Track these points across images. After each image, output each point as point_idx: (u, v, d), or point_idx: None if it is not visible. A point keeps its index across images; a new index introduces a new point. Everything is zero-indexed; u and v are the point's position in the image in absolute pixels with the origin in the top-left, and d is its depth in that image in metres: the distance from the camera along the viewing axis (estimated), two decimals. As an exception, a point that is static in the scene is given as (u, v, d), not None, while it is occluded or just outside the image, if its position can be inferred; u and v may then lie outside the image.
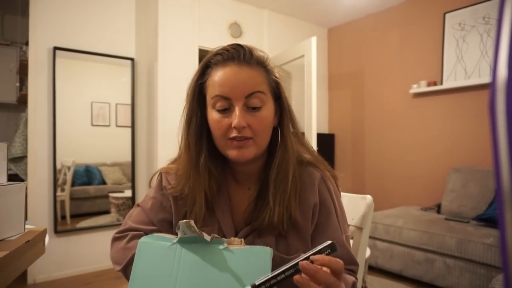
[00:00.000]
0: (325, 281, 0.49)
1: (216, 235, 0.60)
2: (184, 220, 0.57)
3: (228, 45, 0.69)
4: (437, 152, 3.02)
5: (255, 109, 0.66)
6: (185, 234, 0.59)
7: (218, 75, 0.66)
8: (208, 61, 0.70)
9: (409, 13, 3.22)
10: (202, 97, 0.71)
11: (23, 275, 2.45)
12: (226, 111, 0.66)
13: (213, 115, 0.67)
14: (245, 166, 0.73)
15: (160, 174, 0.79)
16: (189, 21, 2.86)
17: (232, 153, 0.67)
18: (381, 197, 3.29)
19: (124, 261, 0.69)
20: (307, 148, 0.77)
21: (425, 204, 3.04)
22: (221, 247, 0.59)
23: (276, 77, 0.71)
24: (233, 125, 0.64)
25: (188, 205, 0.72)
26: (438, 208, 2.82)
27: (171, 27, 2.77)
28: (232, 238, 0.61)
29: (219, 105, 0.66)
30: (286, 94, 0.73)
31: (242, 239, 0.61)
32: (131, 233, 0.73)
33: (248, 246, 0.59)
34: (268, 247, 0.59)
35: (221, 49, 0.69)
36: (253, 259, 0.57)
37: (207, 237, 0.58)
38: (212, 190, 0.71)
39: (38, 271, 2.51)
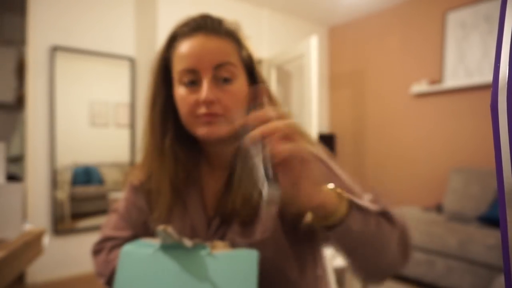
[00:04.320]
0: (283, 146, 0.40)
1: (198, 240, 0.57)
2: (161, 227, 0.53)
3: (196, 15, 0.64)
4: (438, 152, 3.02)
5: (225, 81, 0.59)
6: (164, 240, 0.56)
7: (183, 47, 0.60)
8: (174, 33, 0.64)
9: (410, 13, 3.21)
10: (168, 72, 0.64)
11: (23, 275, 2.45)
12: (193, 85, 0.60)
13: (179, 90, 0.61)
14: (218, 147, 0.66)
15: (131, 173, 0.75)
16: (189, 21, 2.86)
17: (201, 131, 0.60)
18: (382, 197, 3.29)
19: (108, 273, 0.67)
20: None
21: (426, 204, 3.04)
22: (203, 252, 0.55)
23: (248, 50, 0.65)
24: (201, 100, 0.58)
25: (155, 193, 0.67)
26: (439, 208, 2.81)
27: (170, 25, 2.76)
28: (216, 242, 0.58)
29: (185, 79, 0.60)
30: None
31: (227, 243, 0.58)
32: (109, 244, 0.71)
33: (233, 251, 0.56)
34: (254, 251, 0.55)
35: (188, 20, 0.64)
36: (238, 264, 0.54)
37: (188, 243, 0.55)
38: (179, 177, 0.65)
39: (38, 271, 2.51)
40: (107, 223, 0.75)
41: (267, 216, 0.62)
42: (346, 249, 0.50)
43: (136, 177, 0.72)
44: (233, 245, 0.61)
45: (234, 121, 0.61)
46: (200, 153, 0.70)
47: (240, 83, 0.62)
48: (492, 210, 2.33)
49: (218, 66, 0.59)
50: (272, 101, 0.67)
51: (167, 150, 0.64)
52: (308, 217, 0.48)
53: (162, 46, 0.66)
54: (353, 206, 0.47)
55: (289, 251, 0.62)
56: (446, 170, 2.90)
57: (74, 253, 2.65)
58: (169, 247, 0.57)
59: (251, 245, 0.60)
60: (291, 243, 0.63)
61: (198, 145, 0.69)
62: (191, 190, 0.67)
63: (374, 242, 0.49)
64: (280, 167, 0.41)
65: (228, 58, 0.60)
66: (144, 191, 0.70)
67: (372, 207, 0.51)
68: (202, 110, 0.59)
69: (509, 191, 0.19)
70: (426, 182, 3.10)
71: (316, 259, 0.69)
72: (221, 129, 0.60)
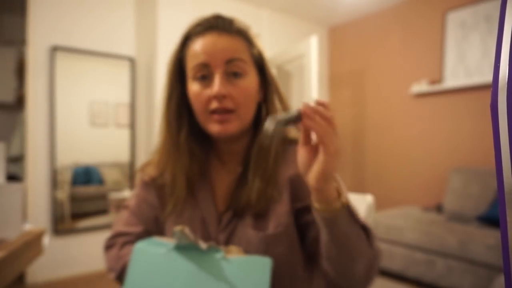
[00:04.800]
0: (324, 127, 0.49)
1: (213, 243, 0.57)
2: (179, 227, 0.54)
3: (208, 16, 0.67)
4: (438, 152, 3.02)
5: (236, 76, 0.63)
6: (180, 240, 0.57)
7: (197, 44, 0.64)
8: (188, 33, 0.67)
9: (410, 13, 3.21)
10: (183, 71, 0.68)
11: (23, 275, 2.45)
12: (205, 80, 0.63)
13: (193, 87, 0.64)
14: (229, 144, 0.70)
15: (142, 170, 0.77)
16: (189, 20, 2.86)
17: (213, 128, 0.63)
18: (382, 197, 3.29)
19: (118, 268, 0.68)
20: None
21: (426, 204, 3.04)
22: (218, 256, 0.56)
23: (259, 48, 0.68)
24: (213, 94, 0.61)
25: (169, 187, 0.69)
26: (439, 208, 2.81)
27: (170, 26, 2.77)
28: (230, 247, 0.59)
29: (198, 74, 0.63)
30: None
31: (240, 248, 0.59)
32: (121, 240, 0.71)
33: (246, 256, 0.56)
34: (268, 258, 0.56)
35: (200, 20, 0.67)
36: (251, 270, 0.54)
37: (203, 245, 0.56)
38: (193, 171, 0.68)
39: (38, 271, 2.51)
40: (119, 219, 0.76)
41: (281, 211, 0.64)
42: (326, 242, 0.56)
43: (148, 173, 0.74)
44: (246, 237, 0.63)
45: (245, 116, 0.65)
46: (210, 148, 0.73)
47: (251, 79, 0.65)
48: (492, 210, 2.33)
49: (229, 62, 0.62)
50: (281, 97, 0.71)
51: (182, 144, 0.67)
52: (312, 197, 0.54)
53: (176, 46, 0.69)
54: (347, 208, 0.54)
55: (298, 246, 0.65)
56: (446, 170, 2.90)
57: (74, 253, 2.65)
58: (182, 248, 0.58)
59: (265, 238, 0.62)
60: (300, 238, 0.66)
61: (209, 140, 0.72)
62: (201, 184, 0.70)
63: (350, 249, 0.56)
64: (309, 127, 0.50)
65: (238, 54, 0.63)
66: (155, 186, 0.72)
67: (361, 219, 0.58)
68: (214, 104, 0.62)
69: (509, 191, 0.19)
70: (426, 182, 3.10)
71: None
72: (232, 126, 0.63)
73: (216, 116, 0.62)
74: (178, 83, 0.68)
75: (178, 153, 0.67)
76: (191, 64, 0.64)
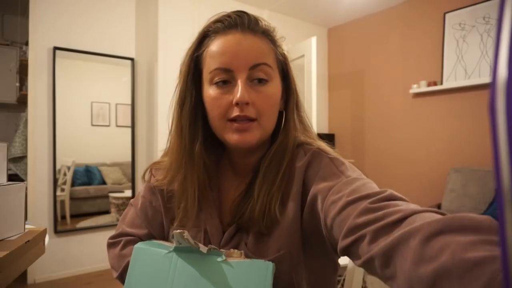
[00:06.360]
0: None
1: (213, 247, 0.56)
2: (178, 230, 0.53)
3: (231, 12, 0.60)
4: (437, 152, 3.02)
5: (260, 82, 0.56)
6: (180, 244, 0.55)
7: (217, 44, 0.56)
8: (207, 30, 0.59)
9: (409, 13, 3.22)
10: (198, 72, 0.60)
11: (23, 275, 2.45)
12: (226, 84, 0.56)
13: (210, 91, 0.57)
14: (245, 157, 0.64)
15: (150, 170, 0.72)
16: (189, 21, 2.86)
17: (232, 138, 0.57)
18: (381, 197, 3.29)
19: (120, 268, 0.66)
20: (311, 135, 0.66)
21: (425, 204, 3.04)
22: (219, 259, 0.54)
23: (283, 52, 0.61)
24: (235, 101, 0.54)
25: (176, 199, 0.64)
26: (438, 208, 2.82)
27: (171, 27, 2.77)
28: (231, 250, 0.56)
29: (218, 78, 0.56)
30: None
31: (242, 252, 0.56)
32: (124, 239, 0.69)
33: (248, 260, 0.54)
34: (270, 262, 0.53)
35: (222, 16, 0.59)
36: (253, 274, 0.52)
37: (203, 249, 0.55)
38: (204, 184, 0.62)
39: (38, 271, 2.51)
40: (124, 218, 0.74)
41: (286, 229, 0.58)
42: None
43: (155, 178, 0.70)
44: (248, 256, 0.59)
45: (267, 126, 0.59)
46: (221, 157, 0.68)
47: (275, 86, 0.59)
48: (490, 210, 2.34)
49: (254, 67, 0.56)
50: (299, 106, 0.65)
51: (197, 155, 0.61)
52: None
53: (192, 43, 0.61)
54: None
55: (302, 264, 0.59)
56: (445, 170, 2.90)
57: (74, 253, 2.65)
58: (183, 250, 0.57)
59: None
60: (306, 255, 0.60)
61: (221, 148, 0.67)
62: (209, 197, 0.65)
63: None
64: None
65: (264, 58, 0.57)
66: (161, 193, 0.68)
67: None
68: (235, 112, 0.55)
69: (507, 191, 0.19)
70: (425, 182, 3.10)
71: (326, 269, 0.65)
72: (253, 136, 0.57)
73: (236, 125, 0.56)
74: (193, 84, 0.60)
75: (191, 165, 0.61)
76: (210, 66, 0.57)
